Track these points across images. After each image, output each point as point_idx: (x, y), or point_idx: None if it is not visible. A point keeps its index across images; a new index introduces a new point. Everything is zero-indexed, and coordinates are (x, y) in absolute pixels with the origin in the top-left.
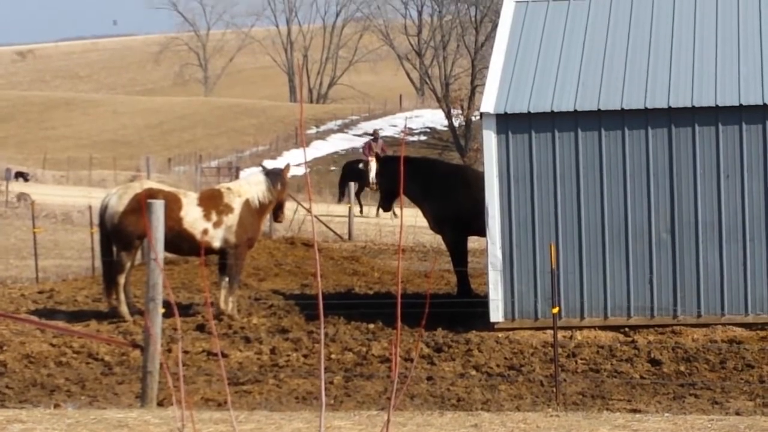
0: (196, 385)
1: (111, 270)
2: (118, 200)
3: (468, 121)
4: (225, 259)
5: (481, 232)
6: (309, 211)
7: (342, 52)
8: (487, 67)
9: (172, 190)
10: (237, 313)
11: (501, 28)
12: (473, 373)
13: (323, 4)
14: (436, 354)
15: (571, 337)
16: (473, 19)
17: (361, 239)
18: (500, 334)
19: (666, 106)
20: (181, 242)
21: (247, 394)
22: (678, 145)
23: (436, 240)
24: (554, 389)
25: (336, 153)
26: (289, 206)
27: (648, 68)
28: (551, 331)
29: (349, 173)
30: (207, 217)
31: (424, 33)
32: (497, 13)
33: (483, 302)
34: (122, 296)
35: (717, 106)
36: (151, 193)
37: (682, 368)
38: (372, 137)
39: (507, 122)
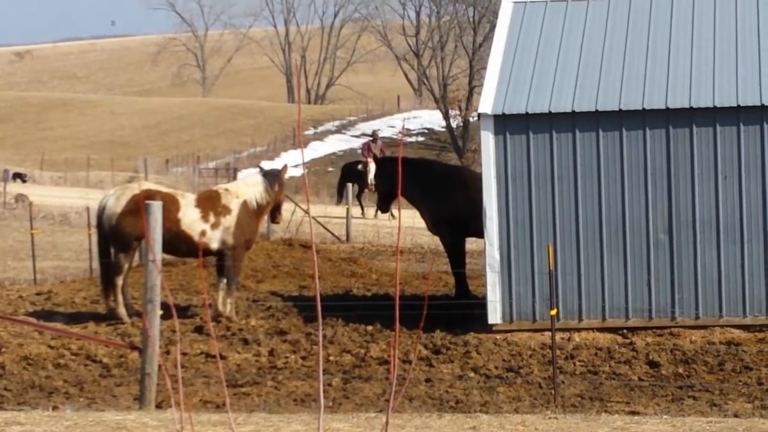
0: (194, 387)
1: (109, 271)
2: (116, 201)
3: (466, 122)
4: (223, 261)
5: (479, 233)
6: (307, 212)
7: (340, 53)
8: (485, 68)
9: (169, 192)
10: (235, 315)
11: (499, 28)
12: (471, 375)
13: (321, 5)
14: (435, 356)
15: (569, 339)
16: (471, 19)
17: (359, 241)
18: (498, 336)
19: (664, 107)
20: (179, 244)
21: (245, 396)
22: (676, 146)
23: (434, 241)
24: (552, 391)
25: (334, 154)
26: (287, 207)
27: (646, 69)
28: (549, 333)
29: (348, 175)
30: (205, 218)
31: (422, 34)
32: (495, 14)
33: (481, 304)
34: (120, 298)
35: (715, 107)
36: (149, 195)
37: (680, 370)
38: (371, 138)
39: (505, 123)
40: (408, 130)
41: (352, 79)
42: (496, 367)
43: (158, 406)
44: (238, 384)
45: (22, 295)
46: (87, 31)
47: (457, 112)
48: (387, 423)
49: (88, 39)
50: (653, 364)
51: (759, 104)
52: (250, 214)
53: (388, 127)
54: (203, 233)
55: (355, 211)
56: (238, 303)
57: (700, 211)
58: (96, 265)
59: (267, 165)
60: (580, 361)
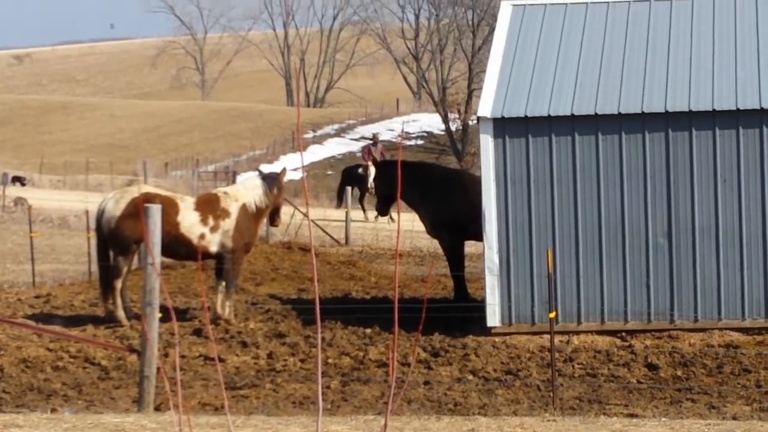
0: (193, 389)
1: (108, 274)
2: (115, 205)
3: (465, 125)
4: (222, 264)
5: (478, 236)
6: (306, 215)
7: (339, 56)
8: (484, 71)
9: (169, 195)
10: (234, 318)
11: (498, 31)
12: (470, 377)
13: (320, 8)
14: (433, 358)
15: (568, 342)
16: (470, 22)
17: (358, 244)
18: (497, 339)
19: (663, 111)
20: (178, 247)
21: (244, 399)
22: (675, 150)
23: (433, 244)
24: (551, 394)
25: (333, 157)
26: (286, 211)
27: (645, 72)
28: (548, 336)
29: (348, 178)
30: (204, 221)
31: (421, 37)
32: (494, 17)
33: (480, 307)
34: (119, 301)
35: (714, 110)
36: (148, 198)
37: (679, 373)
38: (371, 141)
39: (504, 126)
40: (407, 133)
41: (351, 83)
42: (495, 370)
43: (157, 409)
44: (236, 386)
45: (21, 298)
46: (86, 34)
47: (457, 116)
48: (386, 425)
49: (88, 42)
50: (652, 367)
51: (758, 108)
52: (249, 217)
53: (388, 130)
54: (202, 236)
55: (358, 214)
56: (237, 306)
57: (700, 214)
58: (95, 268)
59: (266, 168)
60: (578, 363)
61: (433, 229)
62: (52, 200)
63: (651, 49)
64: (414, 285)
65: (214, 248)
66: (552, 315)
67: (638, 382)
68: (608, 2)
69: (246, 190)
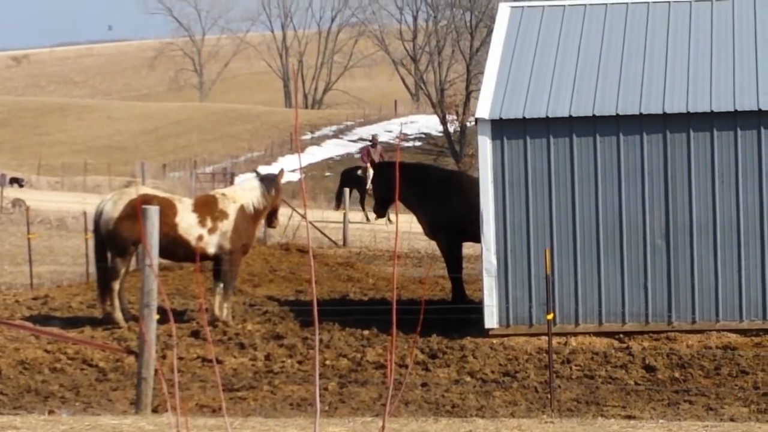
0: (190, 391)
1: (105, 276)
2: (113, 206)
3: (463, 127)
4: (220, 265)
5: (476, 238)
6: (304, 217)
7: (337, 58)
8: (482, 73)
9: (167, 196)
10: (232, 320)
11: (496, 33)
12: (468, 379)
13: (318, 10)
14: (431, 360)
15: (565, 344)
16: (468, 24)
17: (356, 245)
18: (495, 341)
19: (661, 112)
20: (176, 248)
21: (241, 401)
22: (673, 151)
23: (430, 246)
24: (549, 395)
25: (331, 159)
26: (284, 212)
27: (643, 74)
28: (546, 338)
29: (347, 180)
30: (202, 223)
31: (419, 38)
32: (492, 19)
33: (478, 308)
34: (117, 302)
35: (712, 111)
36: (146, 199)
37: (676, 374)
38: (370, 143)
39: (502, 128)
40: (405, 134)
41: (349, 84)
42: (493, 372)
43: (154, 411)
44: (234, 388)
45: (19, 299)
46: (84, 35)
47: (454, 117)
48: (383, 427)
49: (86, 44)
50: (649, 369)
51: (756, 109)
52: (247, 218)
53: (385, 131)
54: (200, 238)
55: (356, 216)
56: (234, 307)
57: (697, 215)
58: (93, 269)
59: (264, 170)
60: (576, 365)
61: (430, 231)
62: (50, 201)
63: (649, 51)
64: (412, 286)
65: (212, 250)
66: (550, 316)
67: (636, 383)
68: (606, 4)
69: (244, 192)
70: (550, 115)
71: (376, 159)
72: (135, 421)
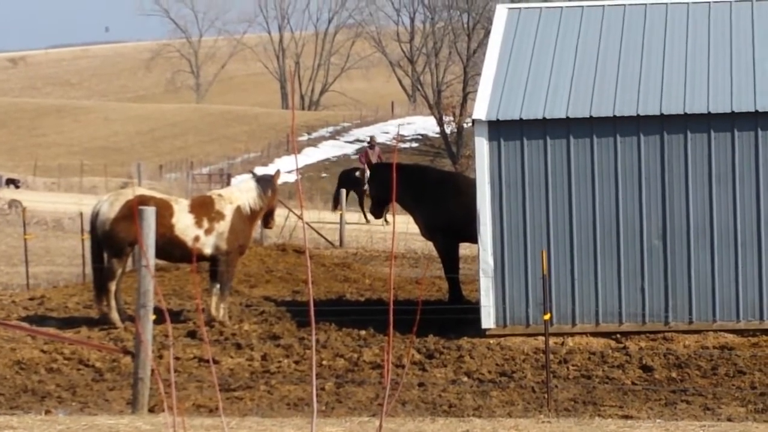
0: (187, 391)
1: (102, 277)
2: (110, 207)
3: (460, 128)
4: (216, 266)
5: (473, 238)
6: (300, 217)
7: (334, 59)
8: (479, 74)
9: (163, 197)
10: (228, 320)
11: (493, 34)
12: (465, 379)
13: (315, 11)
14: (428, 360)
15: (562, 344)
16: (465, 25)
17: (353, 246)
18: (492, 341)
19: (658, 113)
20: (172, 249)
21: (238, 401)
22: (670, 152)
23: (427, 246)
24: (546, 395)
25: (327, 160)
26: (280, 213)
27: (640, 75)
28: (543, 338)
29: (345, 182)
30: (198, 224)
31: (416, 40)
32: (489, 20)
33: (474, 309)
34: (113, 303)
35: (709, 113)
36: (143, 200)
37: (673, 374)
38: (368, 144)
39: (499, 129)
40: (402, 136)
41: (346, 86)
42: (490, 372)
43: (151, 411)
44: (231, 388)
45: (15, 300)
46: (81, 37)
47: (451, 118)
48: (380, 427)
49: (82, 45)
50: (646, 369)
51: (753, 110)
52: (244, 219)
53: (382, 133)
54: (197, 239)
55: (352, 216)
56: (231, 308)
57: (694, 216)
58: (89, 270)
59: (260, 171)
60: (573, 365)
61: (427, 232)
62: (47, 202)
63: (646, 52)
64: (408, 287)
65: (208, 250)
66: (547, 317)
67: (633, 383)
68: (603, 5)
69: (240, 193)
70: (547, 117)
71: (374, 160)
72: (132, 421)
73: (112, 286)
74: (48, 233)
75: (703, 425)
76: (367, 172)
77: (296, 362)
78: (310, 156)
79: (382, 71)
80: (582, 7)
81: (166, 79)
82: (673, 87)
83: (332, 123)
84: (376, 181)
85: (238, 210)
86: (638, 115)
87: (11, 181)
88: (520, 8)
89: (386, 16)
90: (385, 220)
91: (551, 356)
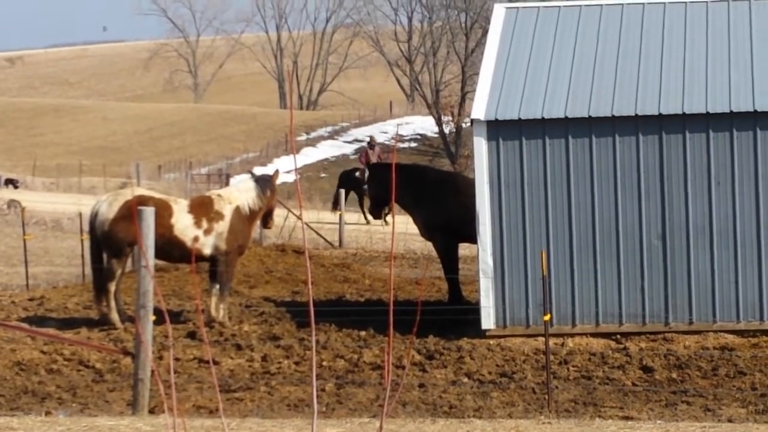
0: (187, 392)
1: (101, 277)
2: (109, 207)
3: (458, 128)
4: (216, 267)
5: (472, 239)
6: (299, 218)
7: (332, 59)
8: (477, 74)
9: (162, 197)
10: (228, 321)
11: (491, 34)
12: (465, 380)
13: (313, 11)
14: (428, 361)
15: (562, 345)
16: (463, 25)
17: (352, 246)
18: (492, 342)
19: (657, 113)
20: (171, 249)
21: (238, 402)
22: (669, 152)
23: (427, 247)
24: (546, 396)
25: (326, 160)
26: (280, 213)
27: (639, 75)
28: (543, 338)
29: (345, 182)
30: (198, 224)
31: (415, 39)
32: (487, 20)
33: (474, 309)
34: (113, 303)
35: (708, 112)
36: (142, 200)
37: (674, 375)
38: (368, 144)
39: (497, 129)
40: (401, 136)
41: (344, 85)
42: (490, 373)
43: (151, 412)
44: (231, 389)
45: (15, 300)
46: (79, 36)
47: (450, 118)
48: (381, 428)
49: (80, 44)
50: (647, 369)
51: (752, 110)
52: (243, 219)
53: (381, 132)
54: (196, 239)
55: (351, 217)
56: (230, 308)
57: (694, 216)
58: (88, 270)
59: (259, 171)
60: (573, 366)
61: (426, 232)
62: (45, 203)
63: (644, 52)
64: (408, 287)
65: (207, 251)
66: (547, 317)
67: (633, 384)
68: (601, 5)
69: (239, 193)
70: (545, 116)
71: (374, 160)
72: (132, 422)
73: (112, 287)
74: (47, 233)
75: (704, 426)
76: (367, 172)
77: (296, 363)
78: (309, 156)
79: (380, 71)
80: (580, 6)
81: (164, 78)
82: (672, 87)
83: (330, 123)
84: (375, 182)
85: (238, 210)
86: (637, 115)
87: (10, 181)
88: (518, 8)
89: (384, 16)
90: (385, 221)
91: (551, 357)
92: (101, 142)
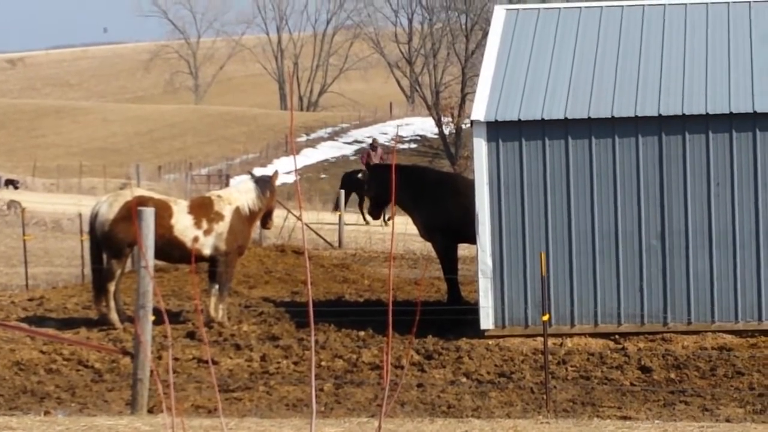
0: (186, 392)
1: (101, 277)
2: (109, 208)
3: (458, 129)
4: (215, 267)
5: (471, 239)
6: (299, 218)
7: (332, 60)
8: (477, 75)
9: (162, 198)
10: (227, 321)
11: (491, 35)
12: (463, 380)
13: (313, 12)
14: (427, 361)
15: (561, 345)
16: (464, 26)
17: (352, 247)
18: (490, 342)
19: (656, 114)
20: (171, 250)
21: (237, 401)
22: (668, 153)
23: (426, 247)
24: (544, 396)
25: (326, 161)
26: (279, 214)
27: (638, 76)
28: (541, 339)
29: (347, 183)
30: (197, 224)
31: (415, 41)
32: (488, 21)
33: (473, 309)
34: (112, 304)
35: (707, 114)
36: (142, 201)
37: (672, 375)
38: (371, 146)
39: (497, 130)
40: (400, 137)
41: (344, 86)
42: (488, 372)
43: (150, 411)
44: (230, 389)
45: (14, 300)
46: (79, 38)
47: (450, 119)
48: (380, 428)
49: (81, 46)
50: (645, 370)
51: (752, 111)
52: (243, 220)
53: (381, 134)
54: (196, 239)
55: (351, 218)
56: (230, 309)
57: (693, 217)
58: (88, 271)
59: (259, 172)
60: (572, 366)
61: (426, 233)
62: (46, 203)
63: (644, 53)
64: (407, 288)
65: (207, 251)
66: (545, 318)
67: (631, 384)
68: (602, 7)
69: (239, 194)
70: (545, 117)
71: (376, 162)
72: (131, 422)
73: (111, 287)
74: (47, 234)
75: (702, 426)
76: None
77: (295, 363)
78: (309, 157)
79: (380, 72)
80: (580, 8)
81: (165, 80)
82: (672, 88)
83: (331, 124)
84: (374, 182)
85: (237, 211)
86: (636, 116)
87: (10, 182)
88: (518, 9)
89: (384, 18)
90: (384, 222)
91: (550, 357)
92: (102, 143)
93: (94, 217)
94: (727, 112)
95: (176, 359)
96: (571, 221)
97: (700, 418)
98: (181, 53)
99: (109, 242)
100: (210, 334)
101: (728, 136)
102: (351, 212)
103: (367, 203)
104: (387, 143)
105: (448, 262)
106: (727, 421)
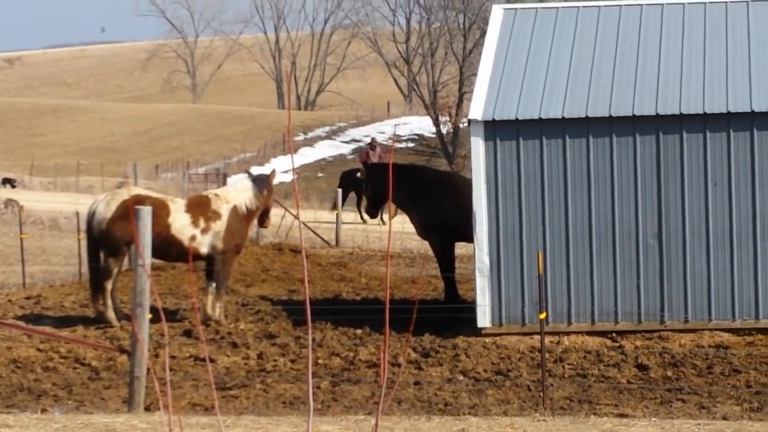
0: (183, 390)
1: (98, 276)
2: (106, 207)
3: (456, 128)
4: (212, 265)
5: (469, 238)
6: (296, 217)
7: (330, 59)
8: (475, 74)
9: (159, 197)
10: (224, 319)
11: (489, 35)
12: (460, 378)
13: (311, 11)
14: (424, 359)
15: (558, 343)
16: (461, 26)
17: (349, 245)
18: (487, 340)
19: (654, 113)
20: (168, 248)
21: (234, 399)
22: (666, 153)
23: (423, 246)
24: (541, 394)
25: (324, 160)
26: (277, 212)
27: (636, 75)
28: (538, 337)
29: (346, 182)
30: (195, 223)
31: (412, 40)
32: (485, 21)
33: (470, 308)
34: (109, 302)
35: (705, 113)
36: (139, 200)
37: (669, 373)
38: (370, 145)
39: (495, 129)
40: (398, 136)
41: (342, 86)
42: (485, 370)
43: (147, 409)
44: (226, 387)
45: (12, 299)
46: (77, 37)
47: (447, 119)
48: (377, 425)
49: (79, 45)
50: (642, 367)
51: (749, 111)
52: (240, 219)
53: (379, 133)
54: (193, 238)
55: (348, 216)
56: (227, 307)
57: (690, 216)
58: (85, 269)
59: (256, 170)
60: (569, 364)
61: (423, 231)
62: (43, 202)
63: (642, 53)
64: (404, 286)
65: (204, 250)
66: (542, 316)
67: (628, 382)
68: (599, 6)
69: (236, 192)
70: (543, 117)
71: (375, 161)
72: (127, 420)
73: (109, 285)
74: (44, 233)
75: (699, 424)
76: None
77: (292, 361)
78: (307, 156)
79: (378, 71)
80: (578, 7)
81: (163, 79)
82: (669, 87)
83: (328, 123)
84: (372, 181)
85: (235, 209)
86: (634, 115)
87: (8, 181)
88: (515, 9)
89: (382, 17)
90: (381, 220)
91: (547, 355)
92: (99, 142)
93: (91, 216)
94: (725, 111)
95: (173, 357)
96: (569, 220)
97: (697, 416)
98: (179, 52)
99: (106, 241)
100: (207, 332)
101: (726, 136)
102: (349, 211)
103: (365, 202)
104: (385, 142)
105: (446, 260)
106: (724, 418)
